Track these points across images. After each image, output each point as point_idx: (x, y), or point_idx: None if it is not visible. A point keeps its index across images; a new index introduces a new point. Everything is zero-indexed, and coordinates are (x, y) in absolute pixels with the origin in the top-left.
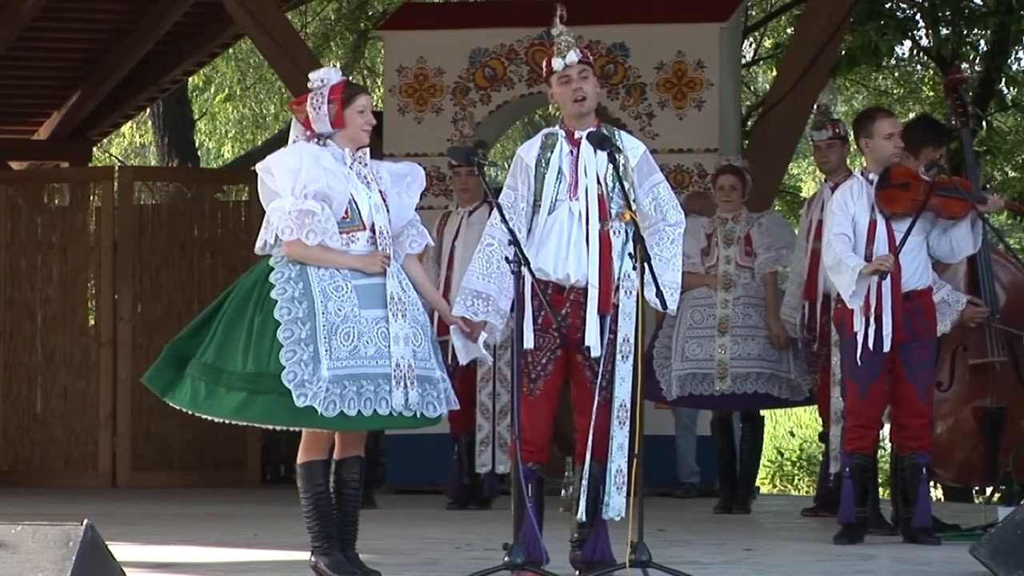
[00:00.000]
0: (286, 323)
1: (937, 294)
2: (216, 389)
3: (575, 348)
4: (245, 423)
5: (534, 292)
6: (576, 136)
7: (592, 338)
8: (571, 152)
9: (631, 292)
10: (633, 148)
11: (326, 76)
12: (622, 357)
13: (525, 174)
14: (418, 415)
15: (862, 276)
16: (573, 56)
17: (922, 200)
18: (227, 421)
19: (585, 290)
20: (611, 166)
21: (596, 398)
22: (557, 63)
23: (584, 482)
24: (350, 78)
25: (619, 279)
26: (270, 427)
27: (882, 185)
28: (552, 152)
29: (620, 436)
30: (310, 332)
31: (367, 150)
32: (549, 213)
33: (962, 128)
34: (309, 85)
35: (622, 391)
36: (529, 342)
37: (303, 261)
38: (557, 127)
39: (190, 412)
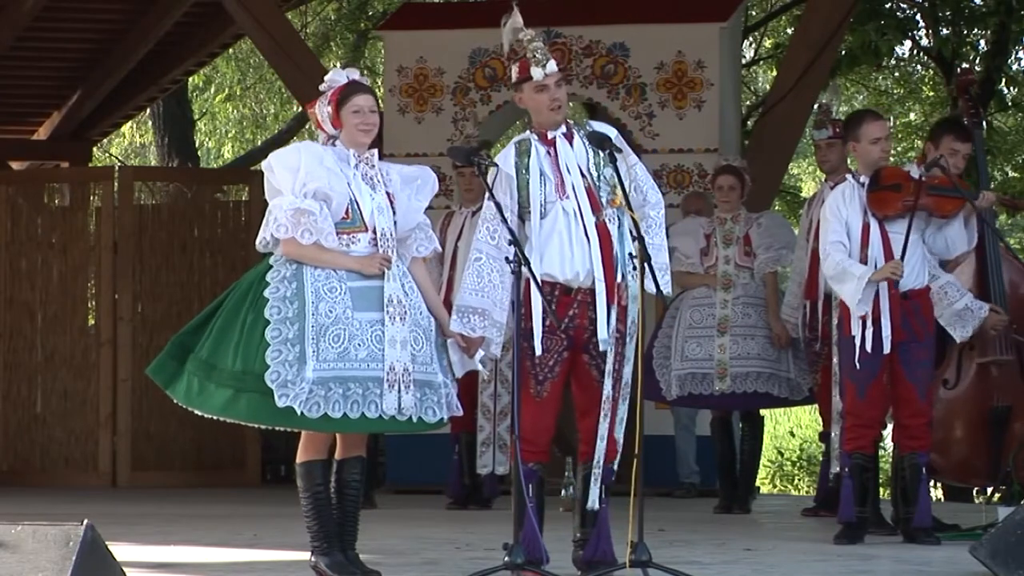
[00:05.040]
0: (275, 322)
1: (960, 302)
2: (207, 385)
3: (581, 349)
4: (232, 421)
5: (540, 293)
6: (550, 136)
7: (604, 331)
8: (548, 152)
9: (635, 275)
10: (622, 153)
11: (335, 78)
12: (629, 337)
13: (507, 184)
14: (414, 419)
15: (870, 283)
16: (553, 66)
17: (913, 201)
18: (217, 418)
19: (591, 289)
20: (595, 154)
21: (610, 395)
22: (536, 73)
23: (595, 469)
24: (357, 78)
25: (623, 266)
26: (258, 426)
27: (873, 188)
28: (529, 157)
29: (621, 410)
30: (298, 332)
31: (375, 151)
32: (542, 217)
33: (974, 128)
34: (320, 87)
35: (625, 371)
36: (539, 348)
37: (299, 260)
38: (528, 132)
39: (184, 406)
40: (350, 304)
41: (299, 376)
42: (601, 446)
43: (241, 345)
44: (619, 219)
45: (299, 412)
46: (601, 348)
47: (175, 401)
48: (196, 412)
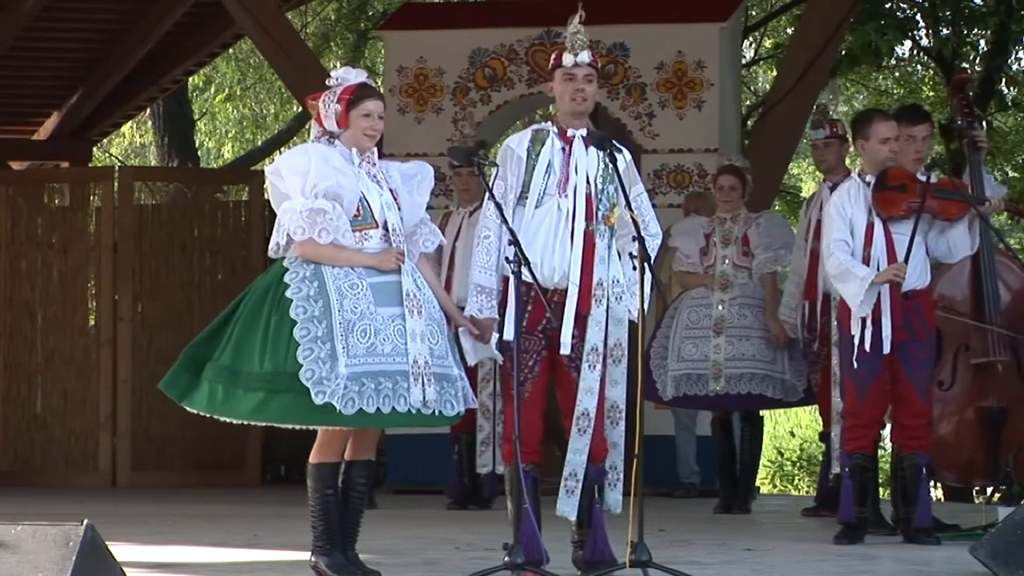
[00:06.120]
0: (302, 321)
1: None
2: (234, 391)
3: (559, 350)
4: (264, 424)
5: (518, 295)
6: (569, 134)
7: (567, 335)
8: (563, 149)
9: (620, 297)
10: (622, 153)
11: (345, 75)
12: (614, 361)
13: (516, 166)
14: (436, 413)
15: (873, 285)
16: (585, 56)
17: (919, 203)
18: (245, 422)
19: (567, 291)
20: (606, 167)
21: (587, 412)
22: (567, 59)
23: (567, 481)
24: (369, 80)
25: (607, 283)
26: (287, 426)
27: (879, 188)
28: (543, 146)
29: (614, 435)
30: (327, 330)
31: (375, 150)
32: (536, 207)
33: (968, 128)
34: (327, 82)
35: (614, 393)
36: (509, 335)
37: (317, 260)
38: (549, 123)
39: (208, 415)
40: (372, 300)
41: (333, 373)
42: (578, 460)
43: (268, 347)
44: (608, 240)
45: (338, 409)
46: (561, 351)
47: (194, 412)
48: (223, 419)
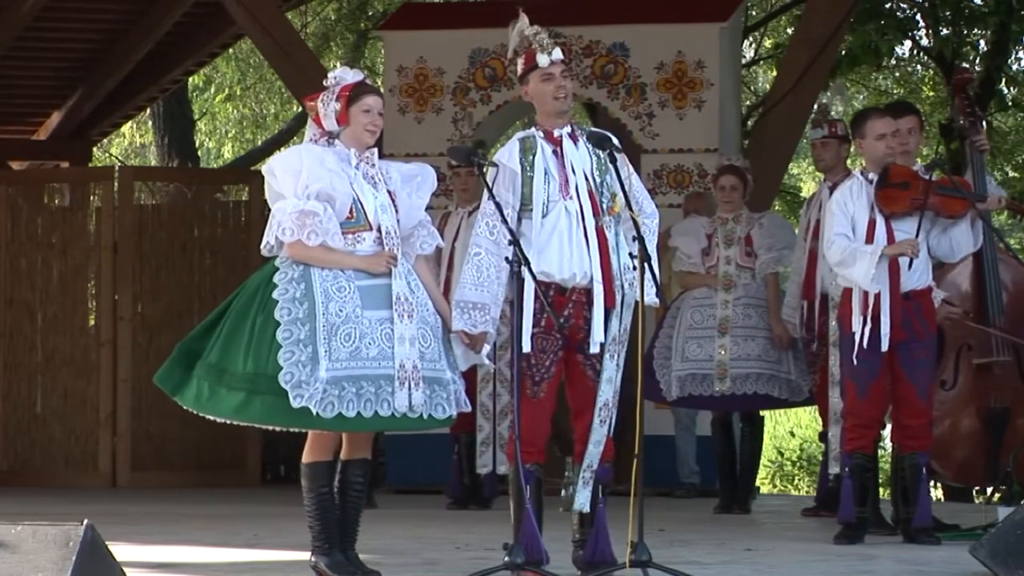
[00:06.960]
0: (286, 324)
1: None
2: (218, 389)
3: (576, 349)
4: (245, 423)
5: (535, 294)
6: (556, 135)
7: (600, 334)
8: (555, 152)
9: (634, 284)
10: (622, 153)
11: (342, 75)
12: (621, 344)
13: (511, 181)
14: (425, 416)
15: (883, 256)
16: (559, 53)
17: (922, 199)
18: (228, 421)
19: (586, 289)
20: (599, 158)
21: (609, 401)
22: (542, 59)
23: (584, 473)
24: (366, 79)
25: (620, 271)
26: (270, 428)
27: (881, 184)
28: (534, 155)
29: (613, 416)
30: (309, 333)
31: (375, 151)
32: (544, 216)
33: (969, 128)
34: (324, 83)
35: (617, 377)
36: (527, 346)
37: (306, 262)
38: (533, 129)
39: (195, 412)
40: (359, 303)
41: (313, 376)
42: (596, 451)
43: (252, 348)
44: (615, 229)
45: (315, 412)
46: (591, 350)
47: (185, 407)
48: (208, 417)
